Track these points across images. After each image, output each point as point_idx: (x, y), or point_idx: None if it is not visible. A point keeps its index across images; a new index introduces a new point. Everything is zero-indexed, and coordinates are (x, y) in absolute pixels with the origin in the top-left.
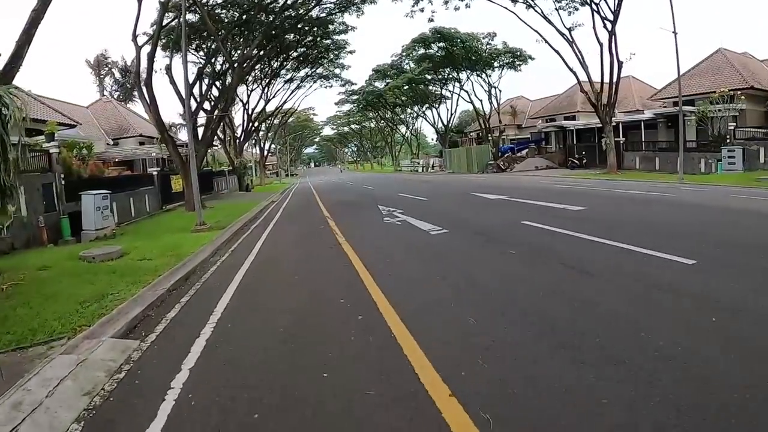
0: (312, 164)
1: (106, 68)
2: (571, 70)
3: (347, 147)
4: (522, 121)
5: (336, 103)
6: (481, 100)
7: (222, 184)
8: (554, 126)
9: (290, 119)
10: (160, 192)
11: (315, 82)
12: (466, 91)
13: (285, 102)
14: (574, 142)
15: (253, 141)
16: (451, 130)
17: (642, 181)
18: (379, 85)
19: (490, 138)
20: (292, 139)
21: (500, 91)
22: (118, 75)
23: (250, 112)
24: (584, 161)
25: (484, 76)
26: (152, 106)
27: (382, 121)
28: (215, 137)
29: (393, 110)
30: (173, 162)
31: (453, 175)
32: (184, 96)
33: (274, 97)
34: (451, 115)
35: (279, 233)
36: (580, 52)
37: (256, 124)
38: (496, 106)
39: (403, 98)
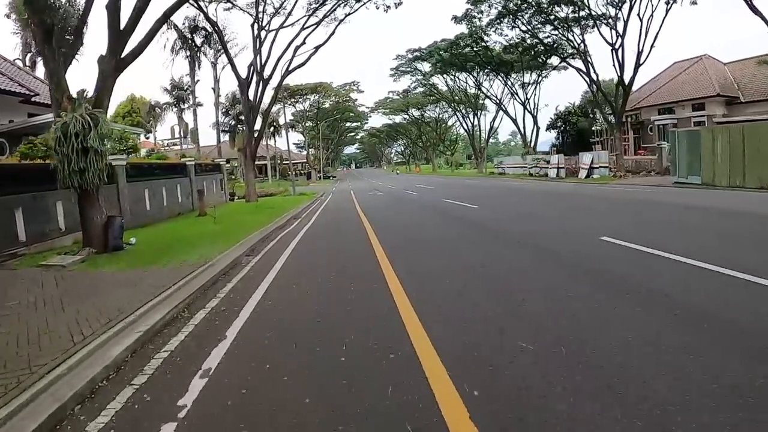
0: (353, 165)
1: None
2: None
3: (393, 145)
4: (735, 93)
5: (392, 72)
6: None
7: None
8: None
9: (326, 99)
10: None
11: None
12: None
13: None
14: None
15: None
16: (577, 111)
17: None
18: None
19: None
20: (328, 129)
21: None
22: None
23: None
24: None
25: None
26: None
27: (462, 105)
28: None
29: (507, 73)
30: None
31: None
32: None
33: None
34: (644, 57)
35: None
36: None
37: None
38: None
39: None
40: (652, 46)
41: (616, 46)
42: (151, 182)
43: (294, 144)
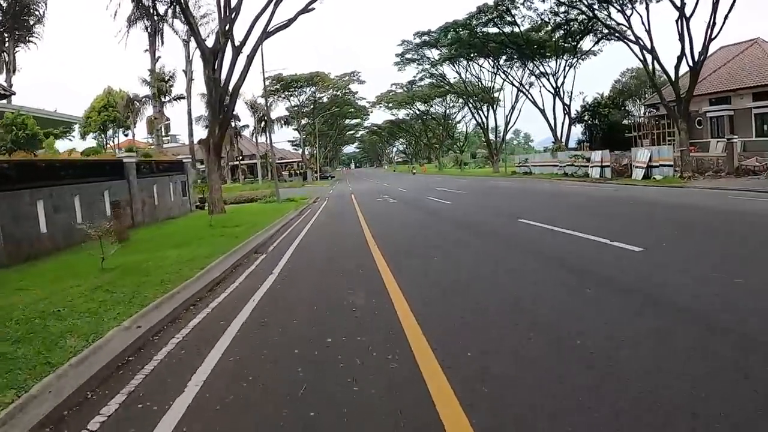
0: (352, 165)
1: None
2: None
3: (395, 143)
4: None
5: (397, 59)
6: None
7: None
8: None
9: (324, 93)
10: None
11: None
12: None
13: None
14: None
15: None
16: (607, 103)
17: None
18: None
19: None
20: (325, 126)
21: None
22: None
23: None
24: None
25: None
26: None
27: (474, 98)
28: None
29: (533, 57)
30: None
31: None
32: None
33: None
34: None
35: None
36: None
37: None
38: None
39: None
40: (726, 16)
41: (687, 14)
42: (52, 189)
43: (288, 141)
